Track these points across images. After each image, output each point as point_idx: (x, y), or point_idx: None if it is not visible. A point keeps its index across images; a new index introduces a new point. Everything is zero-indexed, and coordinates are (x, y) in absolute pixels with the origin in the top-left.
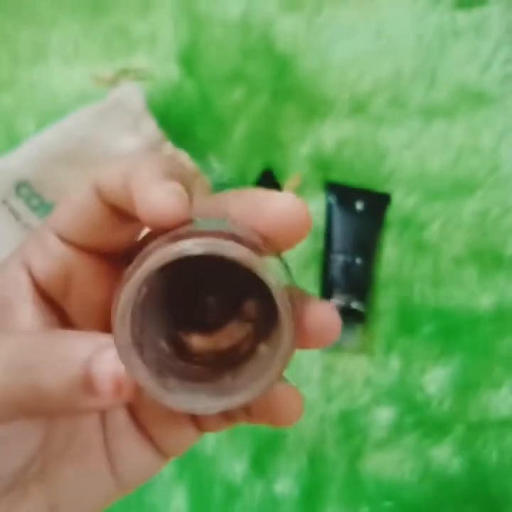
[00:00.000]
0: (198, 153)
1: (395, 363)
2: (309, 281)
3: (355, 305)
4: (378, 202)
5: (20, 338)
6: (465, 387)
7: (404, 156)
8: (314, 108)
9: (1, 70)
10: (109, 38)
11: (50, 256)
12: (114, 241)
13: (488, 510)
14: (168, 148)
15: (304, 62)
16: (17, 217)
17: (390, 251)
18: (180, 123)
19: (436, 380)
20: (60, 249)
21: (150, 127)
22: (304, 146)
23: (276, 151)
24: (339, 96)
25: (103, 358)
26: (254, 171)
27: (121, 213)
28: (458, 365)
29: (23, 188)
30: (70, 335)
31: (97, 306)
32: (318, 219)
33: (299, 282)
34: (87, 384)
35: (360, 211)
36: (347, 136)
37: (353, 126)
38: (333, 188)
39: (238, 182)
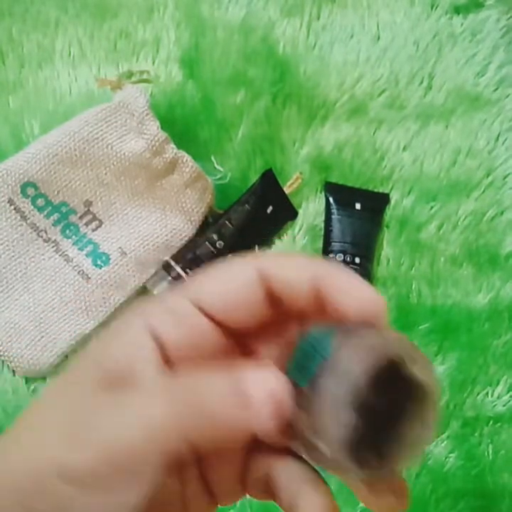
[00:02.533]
0: (201, 154)
1: None
2: None
3: None
4: (377, 202)
5: (193, 375)
6: (461, 384)
7: (402, 157)
8: (314, 110)
9: (7, 72)
10: (113, 42)
11: (185, 326)
12: (252, 321)
13: (484, 504)
14: (171, 149)
15: (304, 65)
16: (23, 217)
17: (388, 250)
18: (183, 125)
19: None
20: (196, 319)
21: (153, 129)
22: (304, 148)
23: (277, 153)
24: (338, 98)
25: (258, 375)
26: (256, 171)
27: (274, 301)
28: (454, 362)
29: (29, 188)
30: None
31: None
32: (318, 219)
33: None
34: (244, 397)
35: (359, 211)
36: (346, 137)
37: (352, 128)
38: (333, 188)
39: (240, 183)
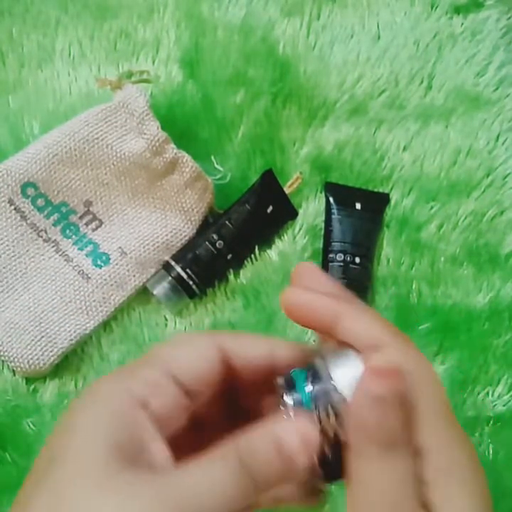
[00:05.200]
0: (201, 154)
1: None
2: None
3: None
4: (377, 202)
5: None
6: (462, 384)
7: (402, 157)
8: (314, 110)
9: (7, 72)
10: (113, 42)
11: (168, 397)
12: (210, 390)
13: None
14: (171, 149)
15: (304, 65)
16: (23, 217)
17: (388, 250)
18: (183, 125)
19: None
20: (172, 389)
21: (153, 129)
22: (304, 148)
23: (277, 152)
24: (338, 98)
25: (287, 429)
26: (256, 171)
27: (228, 372)
28: (455, 362)
29: (29, 188)
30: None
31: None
32: (318, 219)
33: None
34: (283, 452)
35: (359, 211)
36: (346, 137)
37: (352, 128)
38: (333, 188)
39: (240, 183)
